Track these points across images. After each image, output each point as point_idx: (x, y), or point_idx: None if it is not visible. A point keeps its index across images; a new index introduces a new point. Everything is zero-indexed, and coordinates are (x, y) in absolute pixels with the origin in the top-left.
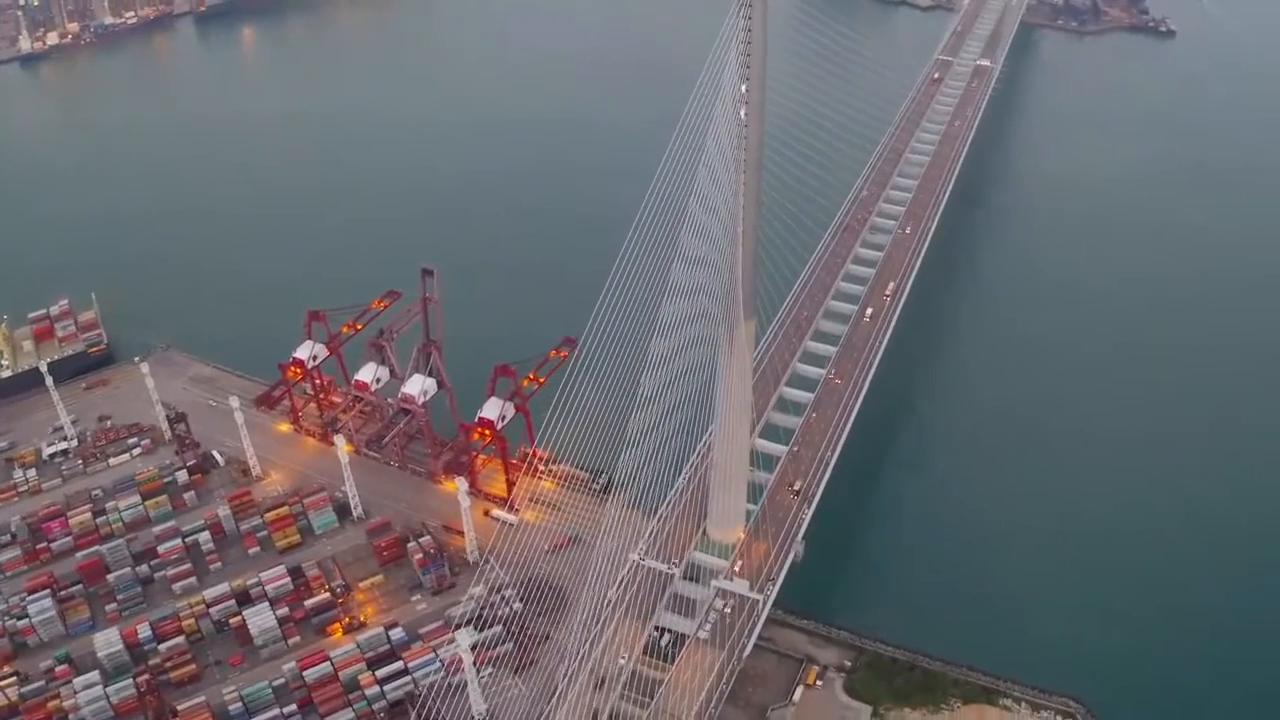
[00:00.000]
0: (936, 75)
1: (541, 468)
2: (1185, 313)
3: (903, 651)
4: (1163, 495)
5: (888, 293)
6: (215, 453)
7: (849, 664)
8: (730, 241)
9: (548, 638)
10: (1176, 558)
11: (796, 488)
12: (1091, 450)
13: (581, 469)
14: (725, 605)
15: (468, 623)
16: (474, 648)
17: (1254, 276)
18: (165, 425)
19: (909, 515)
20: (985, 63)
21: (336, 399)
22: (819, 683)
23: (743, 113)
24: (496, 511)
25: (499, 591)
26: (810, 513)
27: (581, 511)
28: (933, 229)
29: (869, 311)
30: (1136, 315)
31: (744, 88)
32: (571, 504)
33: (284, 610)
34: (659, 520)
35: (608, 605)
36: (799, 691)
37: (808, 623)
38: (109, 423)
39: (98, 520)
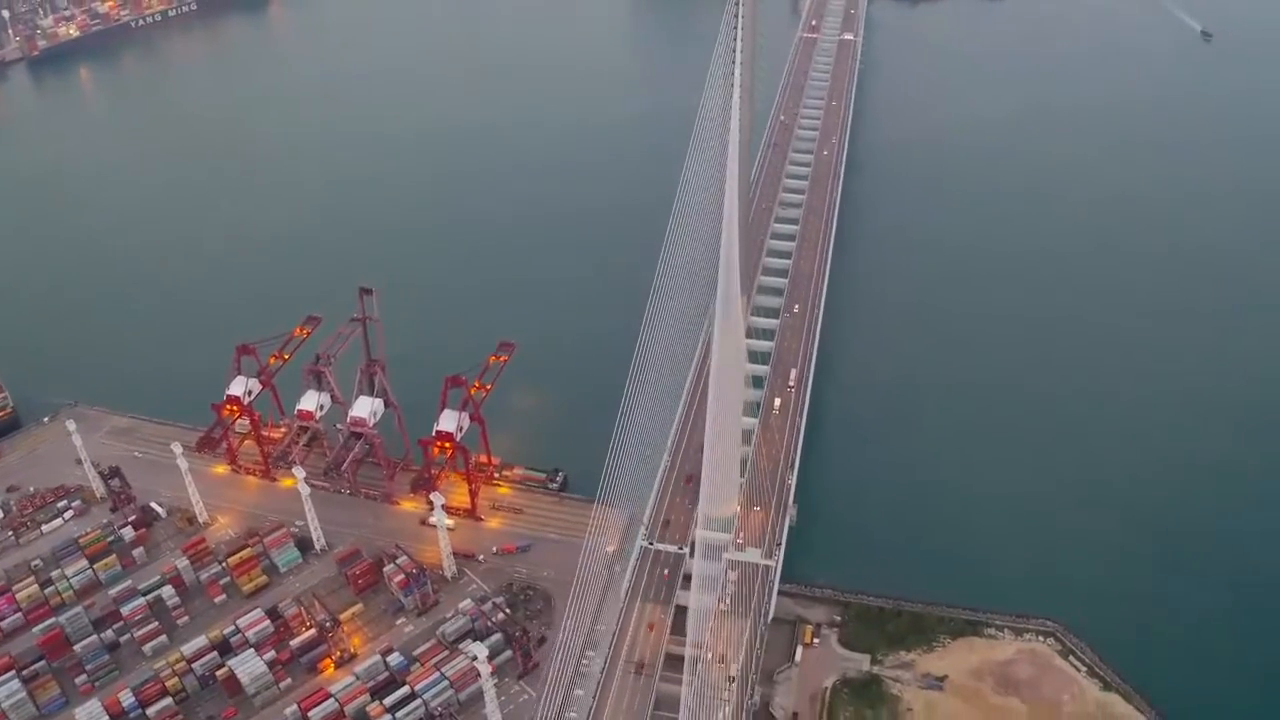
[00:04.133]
0: (812, 27)
1: (499, 474)
2: (1069, 256)
3: (887, 600)
4: (1104, 437)
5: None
6: (154, 504)
7: (839, 619)
8: (724, 221)
9: (544, 640)
10: (1129, 488)
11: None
12: (1033, 400)
13: (539, 470)
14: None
15: (467, 634)
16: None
17: (1117, 211)
18: (97, 483)
19: (872, 476)
20: (848, 37)
21: (276, 433)
22: (816, 640)
23: (736, 97)
24: (434, 519)
25: (489, 600)
26: (795, 478)
27: (541, 512)
28: (838, 198)
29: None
30: (1030, 268)
31: (737, 73)
32: (532, 506)
33: (270, 654)
34: (654, 505)
35: (626, 593)
36: (799, 651)
37: (791, 586)
38: (32, 489)
39: (46, 591)
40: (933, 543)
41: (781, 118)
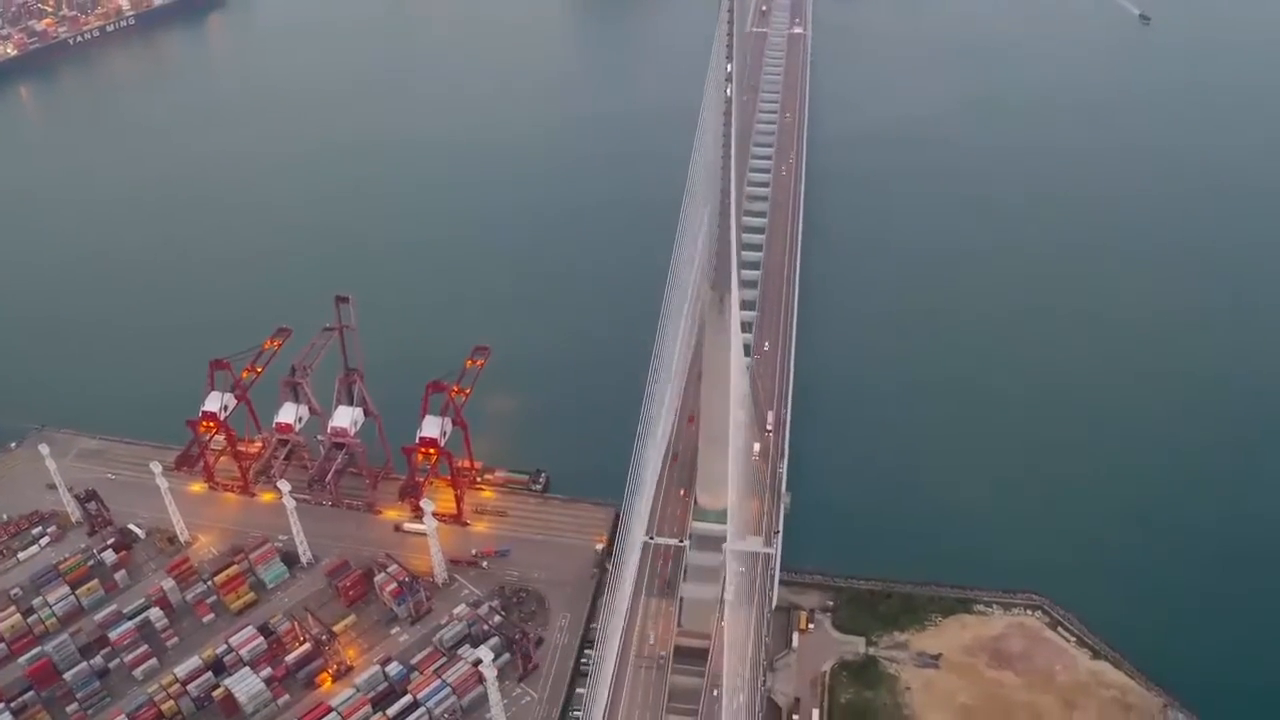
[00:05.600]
0: (761, 13)
1: (481, 478)
2: (1026, 245)
3: (876, 582)
4: (1074, 419)
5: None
6: (133, 526)
7: (831, 604)
8: (720, 213)
9: (541, 641)
10: (1102, 466)
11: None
12: (1004, 387)
13: (521, 472)
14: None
15: (464, 639)
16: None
17: (1064, 200)
18: (72, 507)
19: (854, 463)
20: (798, 31)
21: (252, 448)
22: (811, 626)
23: (728, 91)
24: (408, 525)
25: (484, 604)
26: (785, 465)
27: (526, 514)
28: (802, 191)
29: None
30: (993, 258)
31: (729, 67)
32: (516, 508)
33: (266, 671)
34: (649, 500)
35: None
36: (795, 638)
37: (781, 574)
38: (4, 516)
39: (29, 620)
40: (917, 526)
41: (744, 97)
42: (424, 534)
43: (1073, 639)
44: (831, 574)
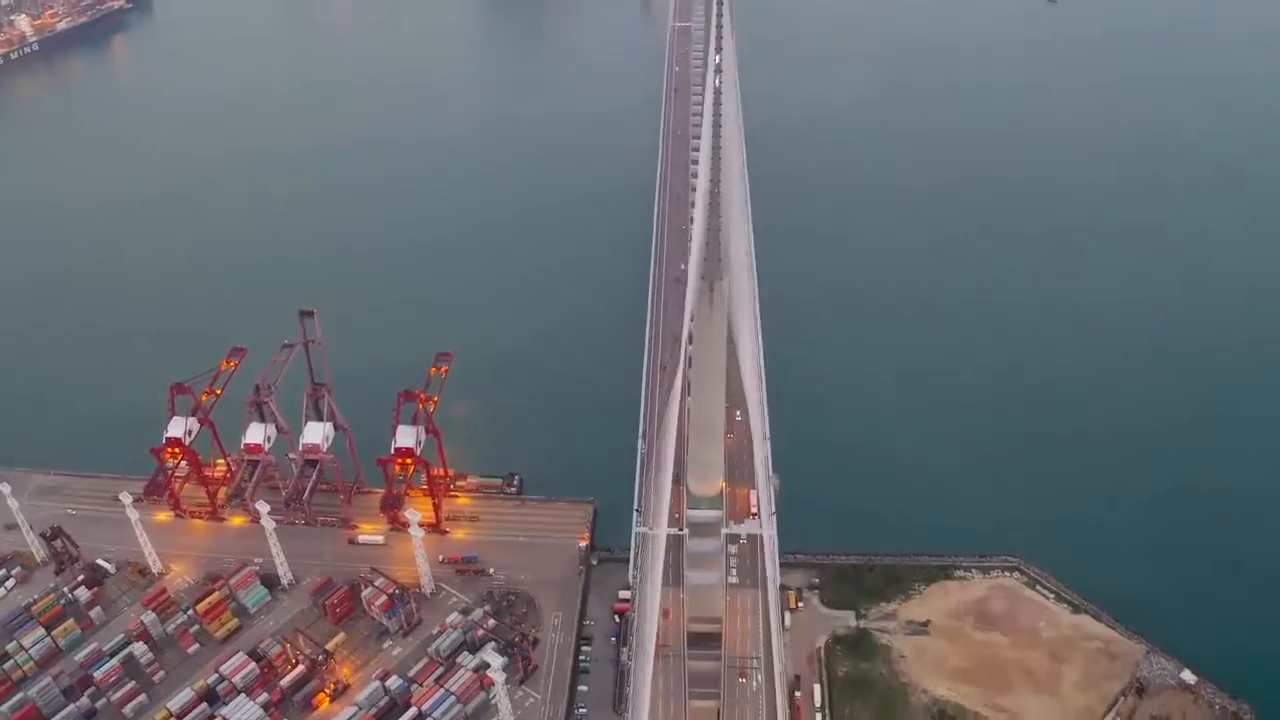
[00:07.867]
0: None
1: (454, 484)
2: (959, 216)
3: (857, 557)
4: (1036, 392)
5: None
6: (101, 561)
7: (817, 581)
8: (710, 206)
9: (537, 642)
10: (1062, 430)
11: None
12: (964, 367)
13: (494, 476)
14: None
15: (461, 647)
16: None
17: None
18: (36, 546)
19: (827, 446)
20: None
21: (216, 472)
22: (800, 604)
23: (717, 82)
24: (363, 536)
25: (475, 610)
26: (769, 447)
27: (504, 517)
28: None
29: None
30: (955, 245)
31: (718, 59)
32: (492, 512)
33: (262, 696)
34: (642, 493)
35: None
36: (787, 616)
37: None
38: None
39: (5, 666)
40: (891, 500)
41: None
42: (380, 544)
43: (1051, 595)
44: (813, 552)
